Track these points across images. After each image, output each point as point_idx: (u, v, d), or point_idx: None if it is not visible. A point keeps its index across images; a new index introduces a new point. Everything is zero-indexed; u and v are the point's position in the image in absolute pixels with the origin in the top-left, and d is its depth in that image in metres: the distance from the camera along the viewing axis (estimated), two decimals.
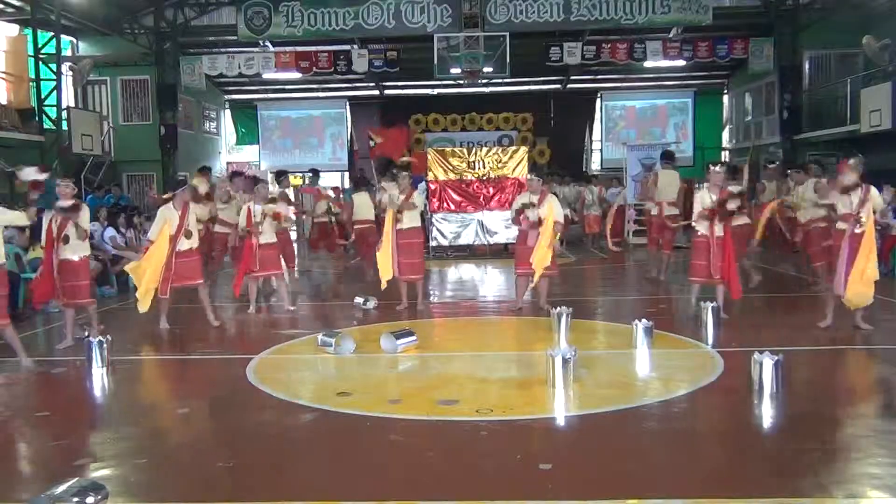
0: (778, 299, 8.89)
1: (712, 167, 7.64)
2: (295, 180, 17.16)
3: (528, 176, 8.50)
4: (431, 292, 10.11)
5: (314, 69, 17.40)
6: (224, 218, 9.24)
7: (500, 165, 14.90)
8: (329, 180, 18.91)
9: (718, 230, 7.30)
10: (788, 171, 9.88)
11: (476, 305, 9.28)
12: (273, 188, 9.88)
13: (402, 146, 15.92)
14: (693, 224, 7.55)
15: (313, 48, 17.47)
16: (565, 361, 5.08)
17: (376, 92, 22.12)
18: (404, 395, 5.13)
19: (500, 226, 14.38)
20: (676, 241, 11.26)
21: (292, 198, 10.16)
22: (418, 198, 8.55)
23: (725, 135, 21.87)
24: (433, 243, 14.30)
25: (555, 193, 9.05)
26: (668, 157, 10.75)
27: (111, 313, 8.93)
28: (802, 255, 9.53)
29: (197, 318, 7.97)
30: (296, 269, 10.61)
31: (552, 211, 7.90)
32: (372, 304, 8.49)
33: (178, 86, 17.62)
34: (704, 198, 7.40)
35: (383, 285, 8.27)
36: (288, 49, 17.67)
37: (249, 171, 14.78)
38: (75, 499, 3.19)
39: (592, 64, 17.59)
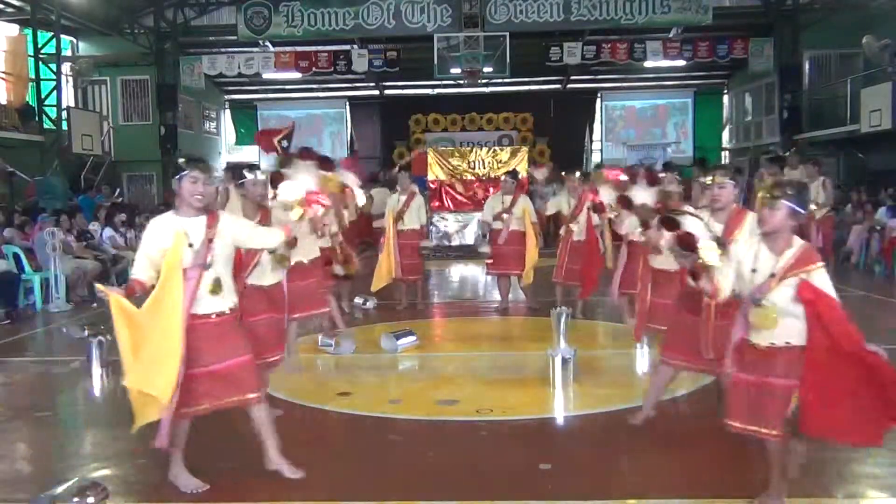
0: None
1: (568, 175, 7.75)
2: None
3: (503, 177, 8.50)
4: (431, 292, 10.11)
5: (314, 69, 17.38)
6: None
7: (500, 165, 14.89)
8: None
9: (577, 233, 7.32)
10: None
11: (476, 305, 9.28)
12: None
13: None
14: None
15: (313, 48, 17.44)
16: (565, 361, 5.08)
17: (376, 92, 22.10)
18: (404, 395, 5.14)
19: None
20: None
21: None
22: (418, 208, 8.40)
23: (725, 135, 21.87)
24: (433, 243, 14.29)
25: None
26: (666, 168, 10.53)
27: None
28: None
29: None
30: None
31: (527, 213, 7.97)
32: (372, 304, 8.48)
33: (178, 86, 17.60)
34: (562, 203, 7.62)
35: (374, 289, 8.19)
36: (288, 49, 17.65)
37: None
38: (75, 499, 3.19)
39: (592, 64, 17.56)
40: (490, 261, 8.32)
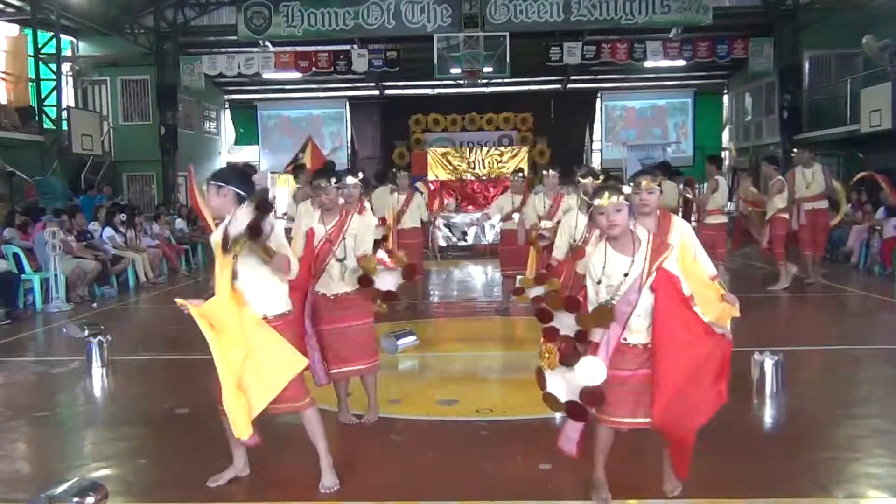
0: (777, 299, 8.89)
1: (545, 172, 7.56)
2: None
3: (511, 176, 8.43)
4: (431, 292, 10.11)
5: (314, 69, 17.39)
6: None
7: (500, 165, 14.92)
8: None
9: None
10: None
11: (476, 305, 9.28)
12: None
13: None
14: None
15: (313, 48, 17.45)
16: None
17: (376, 92, 22.11)
18: (404, 395, 5.13)
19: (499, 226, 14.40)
20: None
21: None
22: (418, 207, 8.44)
23: (725, 135, 21.89)
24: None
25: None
26: (664, 169, 10.42)
27: (111, 313, 8.93)
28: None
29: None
30: None
31: (536, 212, 7.90)
32: None
33: (178, 86, 17.61)
34: (538, 205, 7.33)
35: None
36: (288, 49, 17.65)
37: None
38: (75, 499, 3.19)
39: (592, 64, 17.56)
40: (502, 261, 8.32)
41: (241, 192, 3.36)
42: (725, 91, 21.67)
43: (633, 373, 3.18)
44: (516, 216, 7.83)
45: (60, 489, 3.26)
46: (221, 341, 3.36)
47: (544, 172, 7.55)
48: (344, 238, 4.27)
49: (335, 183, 4.27)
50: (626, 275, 3.10)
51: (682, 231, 3.83)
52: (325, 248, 4.22)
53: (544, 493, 3.48)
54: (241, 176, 3.47)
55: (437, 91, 21.02)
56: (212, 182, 3.40)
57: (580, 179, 5.17)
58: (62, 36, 15.52)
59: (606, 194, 3.09)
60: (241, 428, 3.32)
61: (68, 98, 16.56)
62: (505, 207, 8.00)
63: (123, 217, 11.56)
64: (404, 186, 8.38)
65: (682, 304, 3.08)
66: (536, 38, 16.83)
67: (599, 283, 3.16)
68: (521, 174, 8.26)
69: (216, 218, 3.48)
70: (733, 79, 20.82)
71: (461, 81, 17.35)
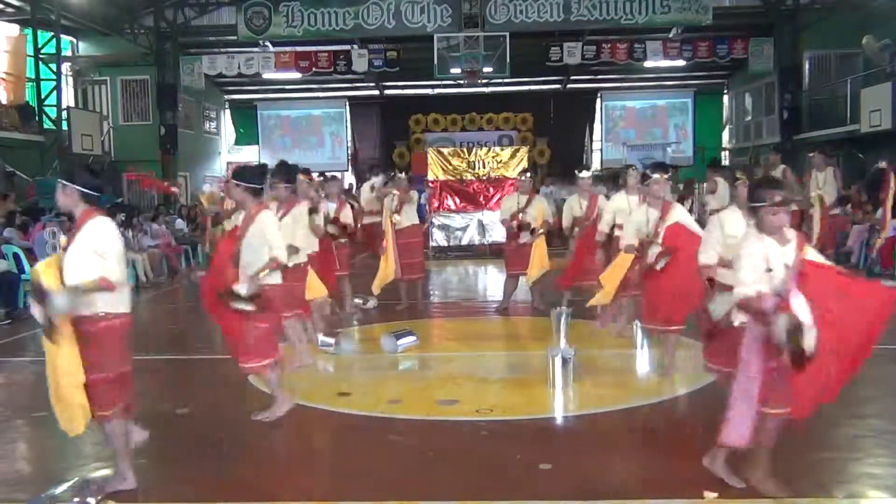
0: None
1: (578, 174, 7.62)
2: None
3: (519, 176, 8.49)
4: (431, 292, 10.10)
5: (314, 69, 17.40)
6: None
7: (500, 165, 14.90)
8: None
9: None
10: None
11: (476, 306, 9.27)
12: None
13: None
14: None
15: (313, 48, 17.46)
16: (565, 361, 5.08)
17: (376, 92, 22.12)
18: (404, 395, 5.13)
19: (499, 226, 14.37)
20: None
21: None
22: (413, 203, 8.50)
23: (725, 135, 21.89)
24: (433, 243, 14.28)
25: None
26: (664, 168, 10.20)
27: None
28: None
29: (198, 318, 7.96)
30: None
31: (542, 212, 7.92)
32: (372, 303, 8.48)
33: (178, 86, 17.62)
34: (574, 207, 7.44)
35: (376, 290, 8.16)
36: (288, 49, 17.66)
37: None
38: (75, 499, 3.20)
39: (592, 64, 17.58)
40: (507, 260, 8.33)
41: (86, 192, 3.48)
42: (725, 91, 21.68)
43: (776, 364, 3.25)
44: (521, 216, 7.88)
45: (60, 489, 3.26)
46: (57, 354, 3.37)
47: (578, 174, 7.57)
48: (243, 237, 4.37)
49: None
50: (787, 265, 3.19)
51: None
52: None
53: (544, 493, 3.48)
54: (87, 175, 3.57)
55: (437, 91, 21.02)
56: (58, 180, 3.50)
57: (650, 175, 5.42)
58: (62, 36, 15.52)
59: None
60: (75, 426, 3.40)
61: (68, 98, 16.56)
62: (511, 208, 8.01)
63: (122, 217, 11.55)
64: (401, 189, 8.35)
65: (836, 275, 3.27)
66: (536, 38, 16.84)
67: (769, 270, 3.20)
68: (527, 174, 8.30)
69: (66, 213, 3.60)
70: (733, 79, 20.82)
71: (461, 81, 17.35)
